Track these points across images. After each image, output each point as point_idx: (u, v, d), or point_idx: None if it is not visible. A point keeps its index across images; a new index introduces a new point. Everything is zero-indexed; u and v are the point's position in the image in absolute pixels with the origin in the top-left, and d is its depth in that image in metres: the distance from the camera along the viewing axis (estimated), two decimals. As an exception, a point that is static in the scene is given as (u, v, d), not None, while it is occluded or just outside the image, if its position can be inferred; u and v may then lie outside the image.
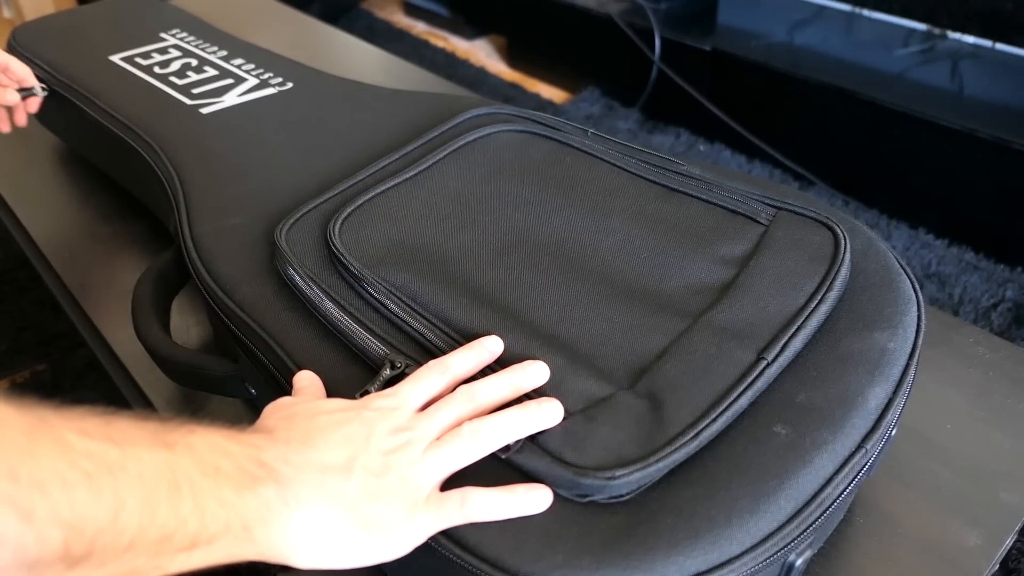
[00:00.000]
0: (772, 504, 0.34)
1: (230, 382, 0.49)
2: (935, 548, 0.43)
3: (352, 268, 0.44)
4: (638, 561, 0.32)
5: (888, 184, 1.28)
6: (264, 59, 0.76)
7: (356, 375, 0.41)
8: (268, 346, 0.44)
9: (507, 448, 0.35)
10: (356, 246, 0.46)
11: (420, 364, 0.39)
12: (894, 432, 0.40)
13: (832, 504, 0.35)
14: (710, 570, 0.32)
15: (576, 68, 1.74)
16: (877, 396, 0.38)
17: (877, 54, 1.34)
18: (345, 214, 0.49)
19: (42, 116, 0.81)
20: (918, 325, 0.42)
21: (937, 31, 1.33)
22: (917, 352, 0.41)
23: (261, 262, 0.48)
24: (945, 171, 1.19)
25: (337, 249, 0.46)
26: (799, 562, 0.36)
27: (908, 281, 0.45)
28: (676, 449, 0.35)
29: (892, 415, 0.38)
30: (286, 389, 0.43)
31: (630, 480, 0.34)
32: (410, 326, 0.42)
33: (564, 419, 0.36)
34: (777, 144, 1.38)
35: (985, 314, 1.07)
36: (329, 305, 0.43)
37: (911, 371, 0.40)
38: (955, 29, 1.30)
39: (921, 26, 1.35)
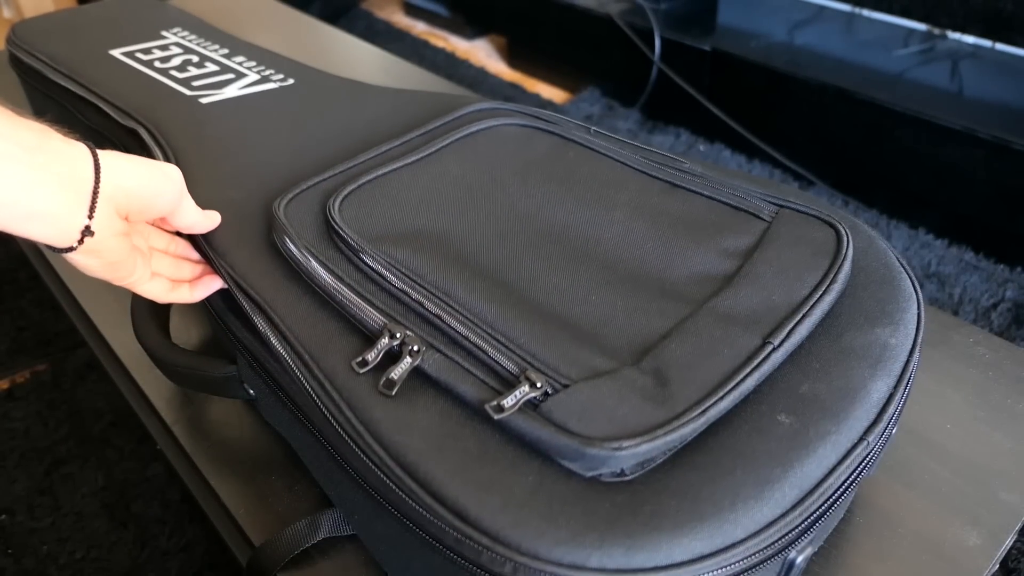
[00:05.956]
0: (776, 491, 0.34)
1: (229, 383, 0.49)
2: (935, 548, 0.43)
3: (351, 241, 0.44)
4: (643, 540, 0.32)
5: (888, 184, 1.28)
6: (265, 57, 0.76)
7: (353, 345, 0.40)
8: (262, 312, 0.43)
9: (500, 408, 0.35)
10: (356, 222, 0.46)
11: (419, 335, 0.39)
12: (895, 431, 0.40)
13: (834, 494, 0.35)
14: (714, 553, 0.32)
15: (576, 68, 1.74)
16: (879, 390, 0.38)
17: (877, 54, 1.34)
18: (346, 192, 0.48)
19: (40, 111, 0.81)
20: (918, 322, 0.42)
21: (937, 31, 1.33)
22: (918, 348, 0.41)
23: (257, 233, 0.48)
24: (945, 171, 1.19)
25: (336, 223, 0.45)
26: (800, 560, 0.36)
27: (908, 279, 0.45)
28: (683, 424, 0.34)
29: (894, 408, 0.38)
30: (286, 391, 0.43)
31: (636, 452, 0.33)
32: (409, 296, 0.41)
33: (568, 388, 0.36)
34: (777, 144, 1.38)
35: (985, 314, 1.07)
36: (326, 276, 0.43)
37: (912, 366, 0.40)
38: (955, 29, 1.30)
39: (921, 26, 1.35)
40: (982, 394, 0.53)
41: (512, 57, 1.90)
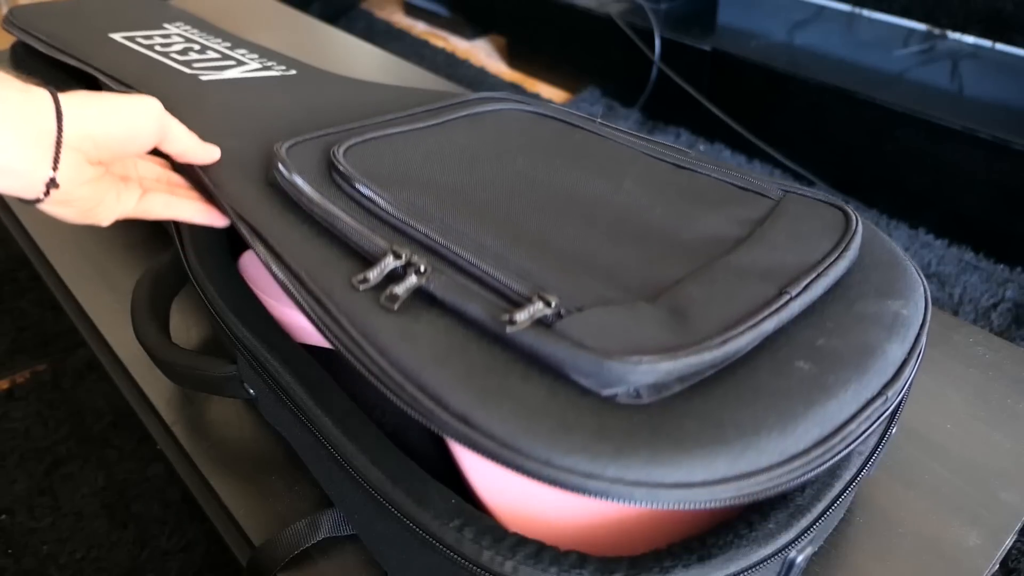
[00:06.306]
0: (799, 426, 0.33)
1: (229, 383, 0.49)
2: (935, 548, 0.43)
3: (354, 180, 0.43)
4: (663, 456, 0.30)
5: (888, 184, 1.28)
6: (267, 53, 0.76)
7: (354, 269, 0.39)
8: (260, 238, 0.42)
9: (512, 322, 0.34)
10: (360, 166, 0.45)
11: (424, 261, 0.38)
12: (895, 431, 0.40)
13: (855, 441, 0.34)
14: (736, 477, 0.31)
15: (576, 68, 1.74)
16: (895, 351, 0.38)
17: (877, 54, 1.34)
18: (350, 142, 0.47)
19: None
20: (926, 303, 0.42)
21: (937, 31, 1.33)
22: (927, 324, 0.41)
23: (256, 174, 0.47)
24: (945, 171, 1.19)
25: (339, 163, 0.44)
26: (800, 559, 0.36)
27: (913, 267, 0.45)
28: (703, 349, 0.33)
29: (909, 371, 0.37)
30: (288, 391, 0.43)
31: (656, 369, 0.32)
32: (416, 229, 0.40)
33: (582, 311, 0.35)
34: (777, 144, 1.38)
35: (985, 314, 1.07)
36: (328, 205, 0.42)
37: (923, 338, 0.40)
38: (955, 29, 1.30)
39: (921, 26, 1.35)
40: (982, 394, 0.53)
41: (512, 57, 1.90)
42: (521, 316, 0.34)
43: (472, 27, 2.03)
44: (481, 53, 1.96)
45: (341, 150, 0.46)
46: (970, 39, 1.29)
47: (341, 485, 0.42)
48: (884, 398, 0.36)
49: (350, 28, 1.94)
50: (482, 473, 0.40)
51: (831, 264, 0.40)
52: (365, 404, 0.46)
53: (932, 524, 0.44)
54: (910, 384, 0.38)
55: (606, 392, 0.32)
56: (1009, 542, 0.44)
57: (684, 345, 0.33)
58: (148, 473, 0.85)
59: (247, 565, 0.44)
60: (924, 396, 0.52)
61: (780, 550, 0.34)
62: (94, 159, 0.38)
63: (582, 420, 0.31)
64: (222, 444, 0.52)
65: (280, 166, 0.44)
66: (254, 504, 0.47)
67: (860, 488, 0.46)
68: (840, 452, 0.34)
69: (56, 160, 0.36)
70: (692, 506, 0.30)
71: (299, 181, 0.43)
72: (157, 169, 0.46)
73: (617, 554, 0.34)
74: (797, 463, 0.32)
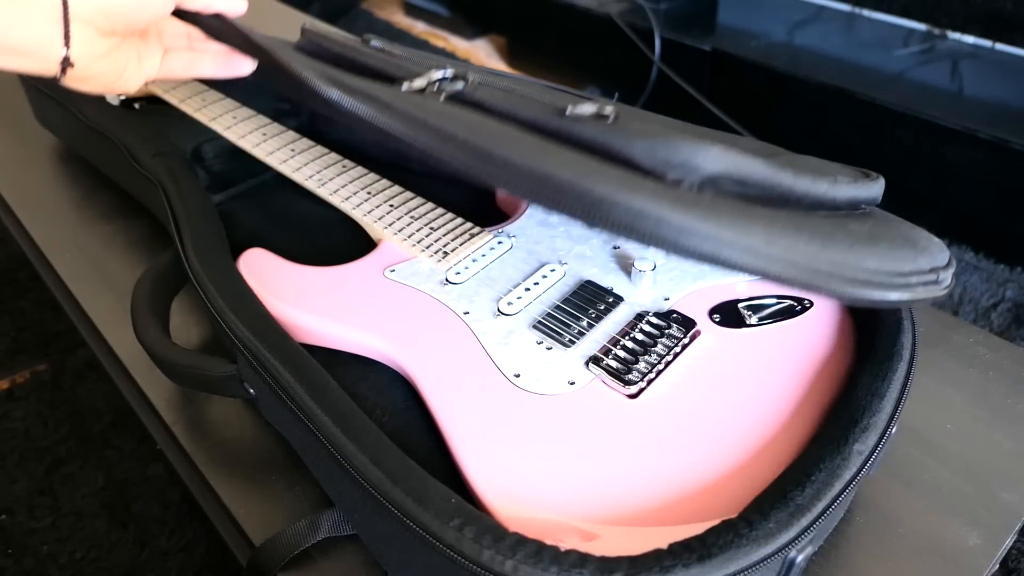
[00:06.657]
0: (863, 251, 0.33)
1: (229, 383, 0.49)
2: (935, 548, 0.43)
3: (374, 39, 0.44)
4: (742, 216, 0.31)
5: (888, 184, 1.28)
6: None
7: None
8: (305, 66, 0.40)
9: (572, 114, 0.34)
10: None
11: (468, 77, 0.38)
12: (894, 430, 0.40)
13: (909, 295, 0.34)
14: (806, 255, 0.31)
15: (576, 68, 1.74)
16: (936, 254, 0.38)
17: (877, 54, 1.34)
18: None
19: (40, 115, 0.81)
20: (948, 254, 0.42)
21: (937, 31, 1.33)
22: (952, 265, 0.40)
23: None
24: (945, 171, 1.19)
25: (368, 38, 0.45)
26: (800, 559, 0.36)
27: None
28: (767, 162, 0.33)
29: (950, 280, 0.38)
30: (288, 391, 0.43)
31: (726, 158, 0.32)
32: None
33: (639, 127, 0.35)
34: (777, 144, 1.38)
35: (985, 314, 1.07)
36: (361, 46, 0.42)
37: (952, 270, 0.39)
38: (955, 29, 1.30)
39: (921, 26, 1.35)
40: (982, 394, 0.53)
41: (512, 57, 1.90)
42: (581, 108, 0.33)
43: (472, 27, 2.03)
44: (481, 53, 1.96)
45: (369, 37, 0.46)
46: (970, 39, 1.29)
47: (341, 485, 0.42)
48: (936, 276, 0.35)
49: (350, 28, 1.94)
50: (482, 473, 0.40)
51: (866, 183, 0.40)
52: (365, 404, 0.46)
53: (932, 524, 0.44)
54: (952, 282, 0.38)
55: (671, 175, 0.32)
56: (1009, 542, 0.44)
57: (740, 155, 0.33)
58: (148, 473, 0.85)
59: (247, 565, 0.44)
60: (924, 396, 0.52)
61: (780, 549, 0.34)
62: (107, 31, 0.37)
63: (647, 182, 0.31)
64: (222, 444, 0.52)
65: (308, 24, 0.45)
66: (254, 504, 0.47)
67: (860, 488, 0.46)
68: (893, 290, 0.33)
69: (67, 36, 0.35)
70: (755, 268, 0.30)
71: (331, 29, 0.44)
72: (179, 25, 0.45)
73: (616, 553, 0.34)
74: (860, 277, 0.32)
